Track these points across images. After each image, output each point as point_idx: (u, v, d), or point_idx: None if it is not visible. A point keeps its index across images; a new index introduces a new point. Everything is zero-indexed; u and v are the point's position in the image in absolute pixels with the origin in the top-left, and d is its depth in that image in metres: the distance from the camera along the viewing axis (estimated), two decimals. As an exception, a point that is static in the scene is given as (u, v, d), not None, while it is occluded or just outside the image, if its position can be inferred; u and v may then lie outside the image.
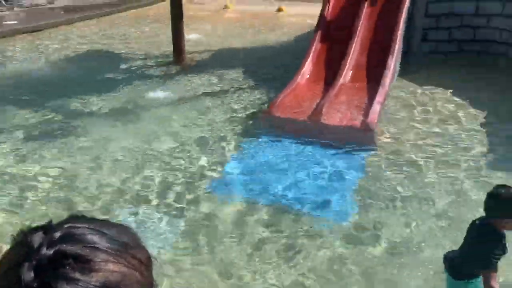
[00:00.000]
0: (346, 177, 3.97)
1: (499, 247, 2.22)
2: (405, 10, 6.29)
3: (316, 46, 6.26)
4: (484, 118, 5.07)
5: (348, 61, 5.87)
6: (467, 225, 2.42)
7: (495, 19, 6.83)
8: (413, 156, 4.31)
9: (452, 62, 6.92)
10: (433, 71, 6.51)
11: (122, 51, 8.19)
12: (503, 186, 2.34)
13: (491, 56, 6.97)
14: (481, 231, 2.32)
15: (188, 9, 11.48)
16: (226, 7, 12.66)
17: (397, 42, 5.95)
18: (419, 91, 5.94)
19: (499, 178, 3.83)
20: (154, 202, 3.62)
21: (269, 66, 7.13)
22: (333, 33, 6.46)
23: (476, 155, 4.30)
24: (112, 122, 5.07)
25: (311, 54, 6.11)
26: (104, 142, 4.60)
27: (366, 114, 4.84)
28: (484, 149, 4.40)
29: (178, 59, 7.40)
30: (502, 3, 6.72)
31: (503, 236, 2.26)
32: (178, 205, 3.59)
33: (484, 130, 4.80)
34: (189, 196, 3.71)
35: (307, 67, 5.97)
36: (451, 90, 5.84)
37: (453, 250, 2.55)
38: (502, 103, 5.37)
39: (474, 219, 2.45)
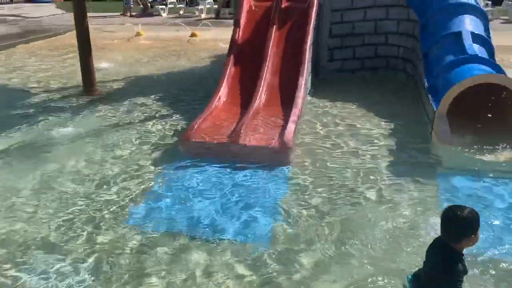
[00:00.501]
0: (267, 197, 4.00)
1: (461, 267, 2.28)
2: (311, 32, 6.60)
3: (230, 69, 6.34)
4: (389, 131, 5.42)
5: (262, 83, 6.00)
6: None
7: (392, 37, 7.42)
8: (329, 172, 4.46)
9: (357, 78, 7.39)
10: (341, 88, 6.89)
11: (28, 85, 7.71)
12: (457, 207, 2.36)
13: (392, 71, 7.55)
14: (441, 253, 2.36)
15: (98, 37, 11.17)
16: (138, 34, 12.49)
17: (306, 63, 6.21)
18: (330, 108, 6.23)
19: (412, 190, 4.09)
20: (65, 246, 3.35)
21: (184, 92, 7.09)
22: (246, 56, 6.59)
23: (388, 168, 4.55)
24: (15, 162, 4.69)
25: (225, 78, 6.17)
26: (5, 184, 4.23)
27: (282, 133, 4.95)
28: (394, 160, 4.67)
29: (88, 90, 7.11)
30: (396, 22, 7.33)
31: (462, 255, 2.33)
32: (91, 246, 3.37)
33: (393, 143, 5.12)
34: (104, 233, 3.50)
35: (223, 91, 6.02)
36: (357, 105, 6.22)
37: (419, 270, 2.59)
38: (402, 117, 5.78)
39: (432, 241, 2.50)
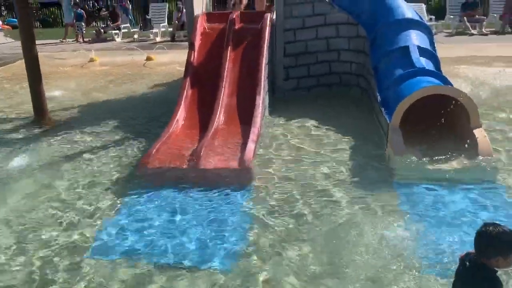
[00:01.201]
0: (229, 220, 3.96)
1: (493, 283, 2.23)
2: (266, 51, 6.70)
3: (186, 92, 6.32)
4: (347, 145, 5.54)
5: (220, 104, 6.01)
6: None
7: (344, 53, 7.64)
8: (291, 189, 4.48)
9: (314, 95, 7.54)
10: (298, 105, 7.00)
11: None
12: (492, 224, 2.30)
13: (346, 87, 7.75)
14: (476, 271, 2.29)
15: (49, 65, 10.90)
16: (91, 60, 12.26)
17: (262, 82, 6.27)
18: (289, 126, 6.29)
19: (374, 202, 4.17)
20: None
21: (141, 117, 6.97)
22: (202, 78, 6.60)
23: (349, 181, 4.64)
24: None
25: (182, 101, 6.14)
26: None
27: (242, 153, 4.95)
28: (355, 174, 4.77)
29: (41, 119, 6.87)
30: (347, 39, 7.55)
31: (496, 272, 2.26)
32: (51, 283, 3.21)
33: (351, 157, 5.23)
34: (64, 268, 3.35)
35: (181, 114, 5.97)
36: (315, 121, 6.32)
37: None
38: (359, 130, 5.92)
39: (462, 258, 2.42)
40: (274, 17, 7.51)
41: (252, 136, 5.29)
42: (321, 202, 4.20)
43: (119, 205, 4.30)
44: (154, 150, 4.96)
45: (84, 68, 11.58)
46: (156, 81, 9.55)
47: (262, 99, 6.08)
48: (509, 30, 14.25)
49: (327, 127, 6.11)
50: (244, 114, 5.95)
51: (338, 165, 4.99)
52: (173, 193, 4.42)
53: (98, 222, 4.01)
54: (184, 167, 4.78)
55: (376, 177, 4.66)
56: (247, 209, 4.14)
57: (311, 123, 6.32)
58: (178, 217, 4.04)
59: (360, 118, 6.39)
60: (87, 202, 4.36)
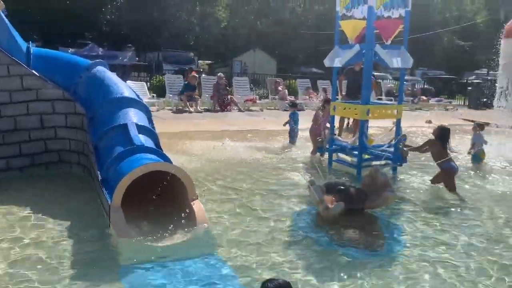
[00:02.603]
0: None
1: None
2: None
3: None
4: (65, 231, 4.99)
5: None
6: None
7: (61, 130, 7.11)
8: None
9: (29, 177, 6.69)
10: (7, 192, 6.02)
11: None
12: (269, 280, 2.55)
13: (66, 165, 7.18)
14: None
15: None
16: None
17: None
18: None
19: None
20: None
21: None
22: None
23: (69, 271, 4.08)
24: None
25: None
26: None
27: None
28: (77, 266, 4.25)
29: None
30: (64, 116, 7.09)
31: None
32: None
33: (73, 245, 4.68)
34: None
35: None
36: (29, 207, 5.51)
37: None
38: (80, 213, 5.49)
39: None
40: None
41: None
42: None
43: None
44: None
45: None
46: None
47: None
48: (218, 108, 16.57)
49: (43, 212, 5.37)
50: None
51: (55, 254, 4.39)
52: None
53: None
54: None
55: (100, 263, 4.28)
56: None
57: (23, 211, 5.45)
58: None
59: (82, 199, 5.92)
60: None
